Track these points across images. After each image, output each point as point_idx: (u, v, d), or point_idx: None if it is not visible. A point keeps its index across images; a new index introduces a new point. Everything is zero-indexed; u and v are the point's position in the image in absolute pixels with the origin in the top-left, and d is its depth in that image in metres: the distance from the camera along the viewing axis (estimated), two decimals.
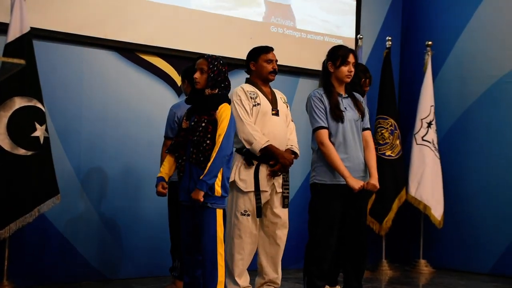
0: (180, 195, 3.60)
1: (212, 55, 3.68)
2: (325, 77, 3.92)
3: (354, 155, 3.83)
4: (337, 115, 3.80)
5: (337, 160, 3.73)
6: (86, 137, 4.98)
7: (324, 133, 3.78)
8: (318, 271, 3.79)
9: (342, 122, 3.81)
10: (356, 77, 4.34)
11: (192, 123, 3.57)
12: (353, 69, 3.88)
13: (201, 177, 3.42)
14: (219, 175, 3.51)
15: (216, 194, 3.50)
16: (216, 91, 3.59)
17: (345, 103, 3.88)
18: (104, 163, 5.05)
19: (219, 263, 3.49)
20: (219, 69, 3.60)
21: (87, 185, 4.97)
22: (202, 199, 3.43)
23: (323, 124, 3.80)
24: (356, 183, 3.73)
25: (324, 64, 3.95)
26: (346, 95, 3.92)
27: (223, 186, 3.54)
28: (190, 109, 3.67)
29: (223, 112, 3.53)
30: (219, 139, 3.47)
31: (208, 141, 3.48)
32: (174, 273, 4.43)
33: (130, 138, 5.17)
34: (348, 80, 3.89)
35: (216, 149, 3.45)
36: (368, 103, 4.46)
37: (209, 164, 3.43)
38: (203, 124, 3.51)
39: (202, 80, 3.58)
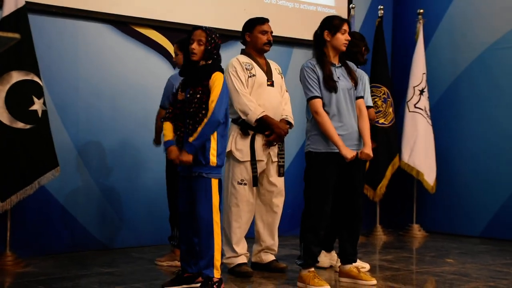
0: (178, 166, 3.68)
1: (210, 28, 3.69)
2: (318, 47, 3.95)
3: (348, 124, 3.89)
4: (330, 85, 3.84)
5: (331, 129, 3.80)
6: (83, 109, 5.04)
7: (317, 103, 3.84)
8: (314, 238, 3.87)
9: (336, 92, 3.85)
10: (356, 46, 4.39)
11: (188, 95, 3.60)
12: (349, 38, 3.93)
13: (190, 140, 3.48)
14: (214, 145, 3.56)
15: (211, 164, 3.56)
16: (210, 62, 3.62)
17: (338, 73, 3.92)
18: (101, 134, 5.12)
19: (215, 231, 3.55)
20: (216, 43, 3.63)
21: (86, 157, 5.05)
22: (190, 161, 3.49)
23: (316, 94, 3.85)
24: (349, 153, 3.78)
25: (318, 34, 3.97)
26: (340, 65, 3.96)
27: (218, 156, 3.59)
28: (184, 81, 3.69)
29: (216, 80, 3.55)
30: (212, 105, 3.50)
31: (203, 111, 3.51)
32: (173, 242, 4.53)
33: (126, 109, 5.23)
34: (344, 48, 3.92)
35: (209, 114, 3.49)
36: None
37: (199, 128, 3.48)
38: (198, 96, 3.54)
39: (199, 51, 3.58)
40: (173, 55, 4.59)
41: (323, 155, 3.84)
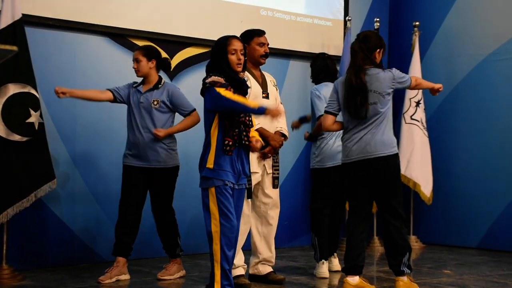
0: (229, 175, 3.45)
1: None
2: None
3: None
4: None
5: None
6: (80, 122, 5.04)
7: None
8: None
9: None
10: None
11: None
12: None
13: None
14: None
15: None
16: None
17: None
18: (98, 147, 5.11)
19: None
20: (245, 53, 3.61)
21: (83, 169, 5.04)
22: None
23: None
24: None
25: (370, 50, 3.93)
26: None
27: None
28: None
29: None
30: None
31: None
32: (181, 252, 4.54)
33: (124, 121, 5.21)
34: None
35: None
36: None
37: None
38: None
39: (243, 62, 3.55)
40: (134, 61, 4.53)
41: None
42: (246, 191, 4.09)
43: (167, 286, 4.29)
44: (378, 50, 3.94)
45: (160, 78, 4.52)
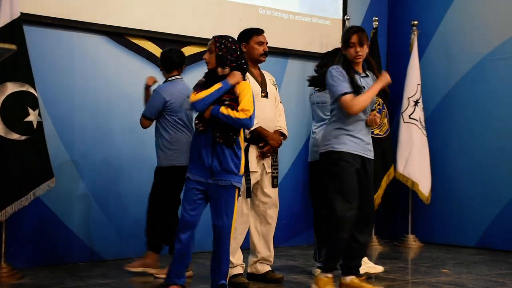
0: (192, 170, 3.56)
1: (221, 35, 3.62)
2: (342, 58, 3.93)
3: (364, 134, 3.89)
4: (354, 88, 3.78)
5: (368, 92, 3.78)
6: (79, 120, 5.04)
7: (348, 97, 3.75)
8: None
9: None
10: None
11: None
12: (359, 50, 3.83)
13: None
14: (241, 154, 3.59)
15: (240, 173, 3.59)
16: (228, 70, 3.54)
17: (363, 82, 3.88)
18: (97, 146, 5.11)
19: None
20: (228, 47, 3.54)
21: (81, 168, 5.04)
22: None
23: (347, 90, 3.75)
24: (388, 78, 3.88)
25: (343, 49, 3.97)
26: (365, 75, 3.94)
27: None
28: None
29: (244, 89, 3.54)
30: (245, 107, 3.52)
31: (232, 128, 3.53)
32: None
33: (122, 120, 5.23)
34: (358, 61, 3.86)
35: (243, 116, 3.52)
36: None
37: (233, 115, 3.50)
38: (227, 103, 3.50)
39: (211, 60, 3.55)
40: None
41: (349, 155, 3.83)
42: (245, 190, 4.13)
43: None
44: (343, 48, 3.92)
45: (165, 80, 4.61)
